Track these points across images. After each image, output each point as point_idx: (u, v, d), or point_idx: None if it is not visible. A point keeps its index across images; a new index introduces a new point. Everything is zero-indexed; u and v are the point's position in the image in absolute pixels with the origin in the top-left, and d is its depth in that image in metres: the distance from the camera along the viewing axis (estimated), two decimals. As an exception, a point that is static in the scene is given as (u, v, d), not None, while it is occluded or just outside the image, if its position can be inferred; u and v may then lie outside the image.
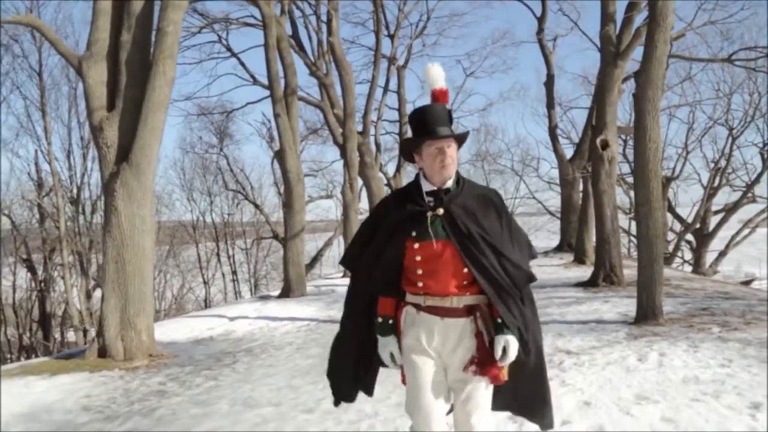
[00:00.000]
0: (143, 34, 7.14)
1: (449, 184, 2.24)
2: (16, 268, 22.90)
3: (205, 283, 27.06)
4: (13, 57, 17.13)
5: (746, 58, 15.79)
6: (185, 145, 26.34)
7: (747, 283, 18.26)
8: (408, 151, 2.33)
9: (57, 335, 22.57)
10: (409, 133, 2.39)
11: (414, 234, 2.20)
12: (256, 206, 24.33)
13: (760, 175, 22.91)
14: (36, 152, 20.54)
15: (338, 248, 27.33)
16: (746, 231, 23.72)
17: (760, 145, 23.36)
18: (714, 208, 24.36)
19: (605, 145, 9.44)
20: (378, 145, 19.57)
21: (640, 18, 10.27)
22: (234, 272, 26.59)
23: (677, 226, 24.65)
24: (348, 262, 2.48)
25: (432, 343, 2.23)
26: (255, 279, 28.98)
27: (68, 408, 4.85)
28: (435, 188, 2.23)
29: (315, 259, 23.84)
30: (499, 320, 2.20)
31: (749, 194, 23.31)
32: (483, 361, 2.18)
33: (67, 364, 6.39)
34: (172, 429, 4.20)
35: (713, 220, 23.96)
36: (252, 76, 18.14)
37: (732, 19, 16.19)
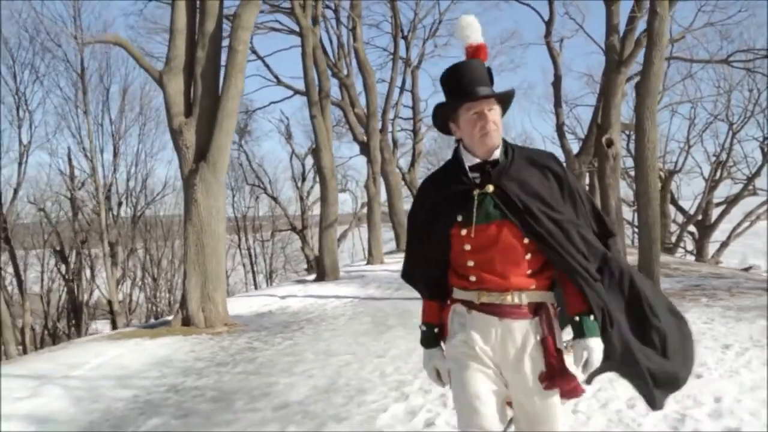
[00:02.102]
0: (214, 50, 8.39)
1: (496, 154, 1.88)
2: (44, 259, 24.25)
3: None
4: (53, 58, 18.37)
5: (744, 60, 16.96)
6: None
7: (745, 270, 19.49)
8: (442, 119, 1.97)
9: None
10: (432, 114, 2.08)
11: (460, 219, 1.86)
12: (275, 200, 25.60)
13: (760, 168, 24.04)
14: (69, 148, 21.91)
15: (352, 240, 28.65)
16: (746, 223, 24.76)
17: (760, 139, 24.54)
18: (716, 200, 25.49)
19: (610, 143, 10.68)
20: (395, 142, 20.83)
21: (641, 23, 11.47)
22: (252, 263, 27.91)
23: (680, 218, 25.85)
24: (405, 275, 2.14)
25: (488, 350, 1.88)
26: (270, 270, 30.38)
27: (183, 359, 6.15)
28: (479, 161, 1.89)
29: (331, 251, 25.13)
30: (577, 318, 1.87)
31: (750, 187, 24.41)
32: (554, 372, 1.84)
33: (158, 330, 7.68)
34: (276, 370, 5.48)
35: (715, 212, 25.12)
36: (276, 77, 19.38)
37: (730, 20, 17.43)
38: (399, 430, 3.67)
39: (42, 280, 24.45)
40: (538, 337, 1.87)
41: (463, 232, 1.87)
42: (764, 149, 24.14)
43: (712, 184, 25.30)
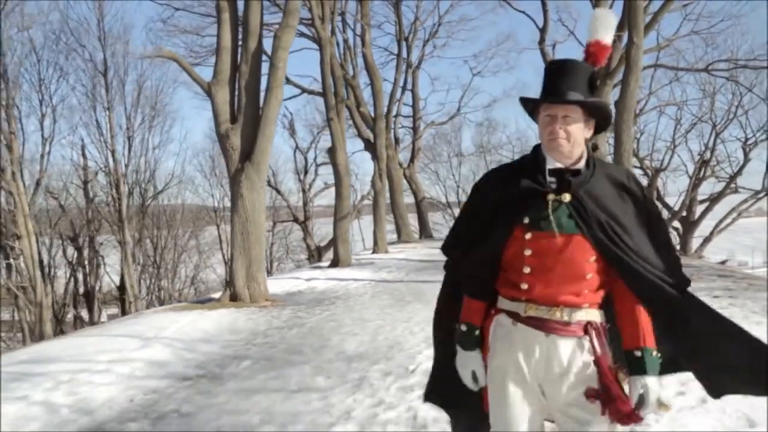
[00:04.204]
0: (256, 65, 9.95)
1: (581, 164, 1.84)
2: (51, 246, 25.60)
3: (226, 263, 30.00)
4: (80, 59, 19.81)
5: (724, 69, 18.77)
6: (213, 134, 29.31)
7: (722, 263, 21.40)
8: (529, 113, 1.96)
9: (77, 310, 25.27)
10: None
11: (527, 221, 1.84)
12: (278, 191, 27.12)
13: (742, 168, 25.92)
14: (82, 140, 23.35)
15: (351, 231, 30.29)
16: (729, 220, 26.58)
17: (742, 139, 26.45)
18: (700, 197, 27.35)
19: (595, 147, 12.37)
20: (396, 139, 22.47)
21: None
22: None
23: (665, 214, 27.71)
24: (446, 246, 2.14)
25: (531, 366, 1.86)
26: (271, 260, 31.95)
27: (245, 324, 7.77)
28: (561, 167, 1.84)
29: (332, 242, 26.78)
30: (638, 353, 1.81)
31: (732, 185, 26.27)
32: (609, 396, 1.78)
33: (211, 305, 9.27)
34: (325, 331, 7.11)
35: (699, 209, 27.00)
36: (285, 77, 20.84)
37: (713, 29, 19.27)
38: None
39: (50, 267, 25.82)
40: (591, 357, 1.82)
41: (528, 235, 1.84)
42: (746, 149, 26.01)
43: (696, 182, 27.04)
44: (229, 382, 5.16)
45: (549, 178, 1.85)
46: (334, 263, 14.03)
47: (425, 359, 5.46)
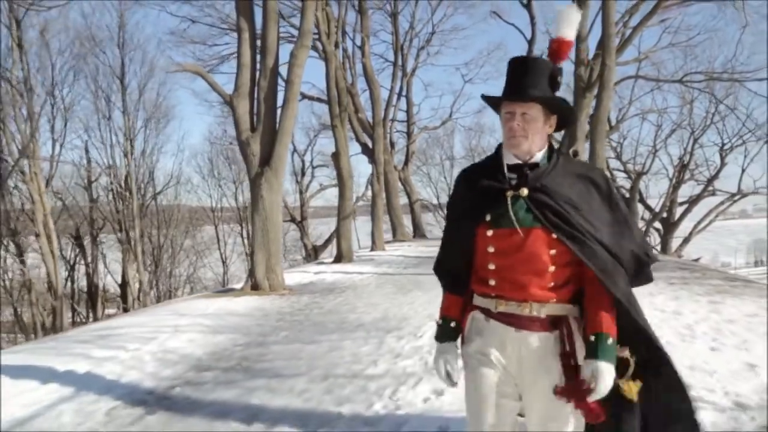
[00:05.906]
0: (273, 79, 11.35)
1: (538, 157, 1.90)
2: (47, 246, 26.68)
3: (223, 262, 31.27)
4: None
5: (698, 80, 20.48)
6: (211, 137, 30.68)
7: (695, 260, 23.08)
8: (494, 109, 2.01)
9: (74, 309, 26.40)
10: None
11: (488, 218, 1.90)
12: (275, 193, 28.45)
13: (719, 171, 27.72)
14: (86, 142, 24.54)
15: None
16: (706, 221, 28.26)
17: (719, 144, 28.25)
18: (680, 200, 29.08)
19: (576, 154, 13.91)
20: (392, 143, 23.96)
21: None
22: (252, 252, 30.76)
23: (647, 215, 29.43)
24: (435, 267, 2.24)
25: (502, 359, 1.95)
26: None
27: (270, 307, 9.16)
28: (520, 162, 1.91)
29: (328, 241, 28.15)
30: (593, 338, 1.84)
31: (710, 188, 28.03)
32: (572, 389, 1.84)
33: (234, 293, 10.64)
34: (342, 311, 8.52)
35: (679, 211, 28.73)
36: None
37: (692, 41, 20.97)
38: (436, 331, 6.74)
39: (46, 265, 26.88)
40: (557, 352, 1.88)
41: (489, 233, 1.91)
42: (722, 154, 27.79)
43: (676, 185, 28.74)
44: (273, 346, 6.56)
45: (509, 174, 1.93)
46: (338, 259, 15.43)
47: (429, 329, 6.89)
